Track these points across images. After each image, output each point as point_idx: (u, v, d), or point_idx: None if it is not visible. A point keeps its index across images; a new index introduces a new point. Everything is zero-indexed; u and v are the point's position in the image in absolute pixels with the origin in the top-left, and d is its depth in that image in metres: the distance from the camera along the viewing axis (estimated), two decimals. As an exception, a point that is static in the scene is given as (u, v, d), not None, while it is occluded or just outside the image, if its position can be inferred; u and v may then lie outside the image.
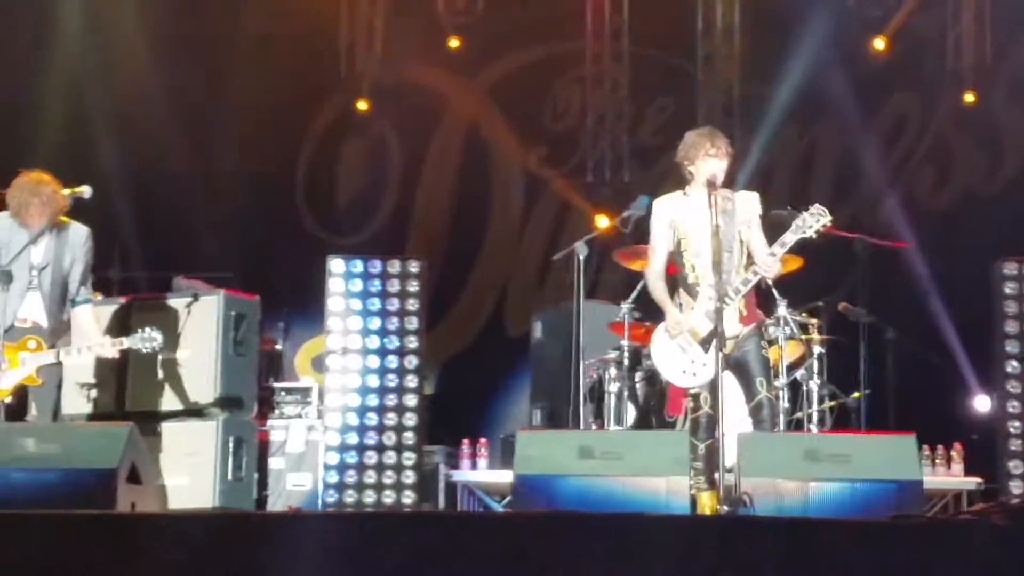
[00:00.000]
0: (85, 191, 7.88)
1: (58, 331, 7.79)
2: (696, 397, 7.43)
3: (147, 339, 7.73)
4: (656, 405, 9.57)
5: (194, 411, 8.68)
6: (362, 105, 13.10)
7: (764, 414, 7.33)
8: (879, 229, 12.08)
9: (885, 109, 12.91)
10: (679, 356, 7.44)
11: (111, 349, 7.77)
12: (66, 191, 7.81)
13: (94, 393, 8.75)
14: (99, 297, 8.36)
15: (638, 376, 9.59)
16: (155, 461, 8.24)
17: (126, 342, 7.75)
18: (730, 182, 7.63)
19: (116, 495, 6.84)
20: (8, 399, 7.59)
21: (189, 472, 8.52)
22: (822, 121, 12.94)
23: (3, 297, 7.53)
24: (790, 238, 7.37)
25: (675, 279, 7.60)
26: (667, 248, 7.56)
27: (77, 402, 8.68)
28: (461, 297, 13.11)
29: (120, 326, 8.39)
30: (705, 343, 7.33)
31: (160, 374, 8.70)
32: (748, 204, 7.53)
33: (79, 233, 7.87)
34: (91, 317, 7.90)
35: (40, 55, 12.33)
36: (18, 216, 7.73)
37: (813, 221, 7.35)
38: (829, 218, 7.36)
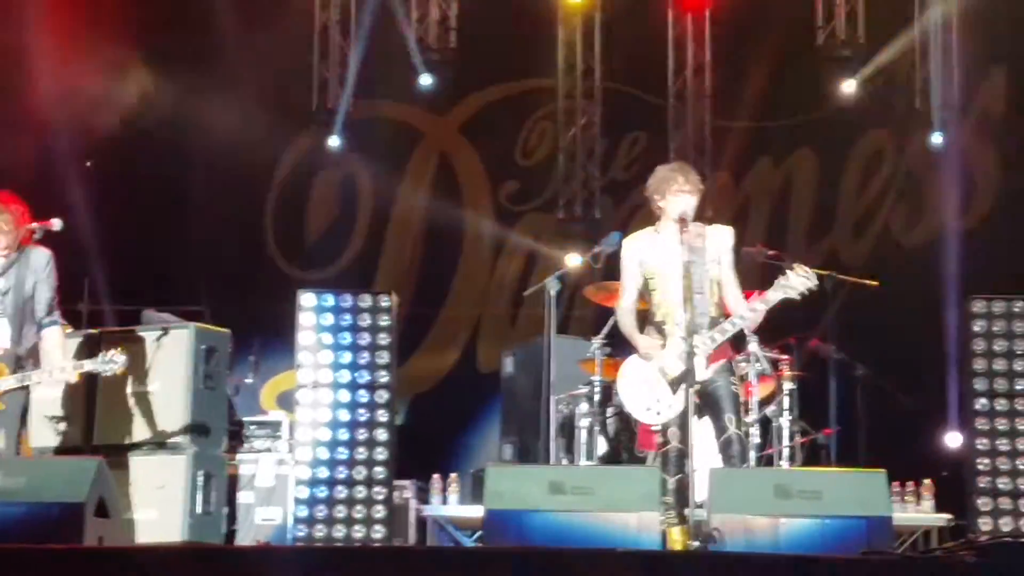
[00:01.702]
0: (55, 224, 7.86)
1: (25, 357, 7.71)
2: (665, 432, 7.43)
3: (108, 362, 7.64)
4: (627, 441, 9.58)
5: (163, 444, 8.63)
6: (333, 141, 13.10)
7: (734, 450, 7.33)
8: (855, 264, 12.22)
9: (860, 144, 13.01)
10: (645, 393, 7.45)
11: (71, 373, 7.69)
12: (35, 224, 7.79)
13: (62, 426, 8.70)
14: (68, 329, 8.28)
15: (609, 411, 9.60)
16: (124, 495, 8.18)
17: (87, 365, 7.67)
18: (701, 216, 7.65)
19: (84, 529, 6.79)
20: None
21: (158, 506, 8.47)
22: (797, 154, 13.03)
23: None
24: (773, 296, 7.36)
25: (644, 315, 7.61)
26: (636, 286, 7.58)
27: (45, 435, 8.63)
28: (431, 332, 13.10)
29: (88, 357, 8.33)
30: (675, 384, 7.34)
31: (129, 407, 8.65)
32: (720, 239, 7.52)
33: (40, 256, 7.81)
34: (57, 340, 7.81)
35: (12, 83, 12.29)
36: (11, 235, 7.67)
37: (798, 283, 7.31)
38: (815, 282, 7.34)
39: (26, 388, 7.69)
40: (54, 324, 7.81)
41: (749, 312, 7.39)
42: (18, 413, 7.70)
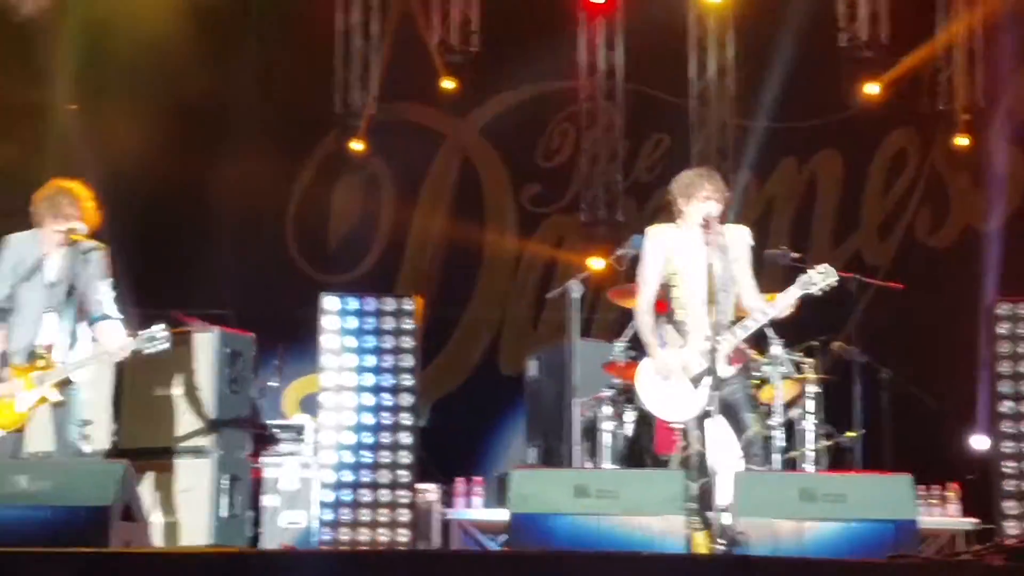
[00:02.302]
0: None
1: (78, 351, 7.60)
2: (685, 435, 7.44)
3: (151, 338, 7.53)
4: (650, 444, 9.55)
5: (189, 448, 8.66)
6: (357, 145, 13.10)
7: (756, 449, 7.36)
8: (880, 265, 12.19)
9: (884, 145, 12.97)
10: (664, 388, 7.45)
11: (119, 353, 7.57)
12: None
13: (88, 430, 8.72)
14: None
15: (633, 415, 9.58)
16: (149, 498, 8.21)
17: (132, 345, 7.54)
18: (723, 218, 7.64)
19: (110, 533, 6.81)
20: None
21: (183, 509, 8.49)
22: (821, 154, 13.00)
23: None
24: (794, 292, 7.37)
25: (660, 315, 7.59)
26: (658, 280, 7.52)
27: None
28: (454, 335, 13.09)
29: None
30: (696, 380, 7.34)
31: (155, 410, 8.68)
32: (739, 238, 7.51)
33: (91, 249, 7.67)
34: (112, 331, 7.56)
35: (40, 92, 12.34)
36: (45, 222, 7.56)
37: (819, 279, 7.34)
38: (836, 278, 7.35)
39: (74, 384, 7.56)
40: (106, 319, 7.60)
41: (770, 308, 7.38)
42: (75, 409, 7.57)
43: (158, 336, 7.53)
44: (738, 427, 7.38)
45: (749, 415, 7.36)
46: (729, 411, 7.37)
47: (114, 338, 7.57)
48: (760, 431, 7.41)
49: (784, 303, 7.38)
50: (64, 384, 7.52)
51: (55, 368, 7.49)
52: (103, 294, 7.63)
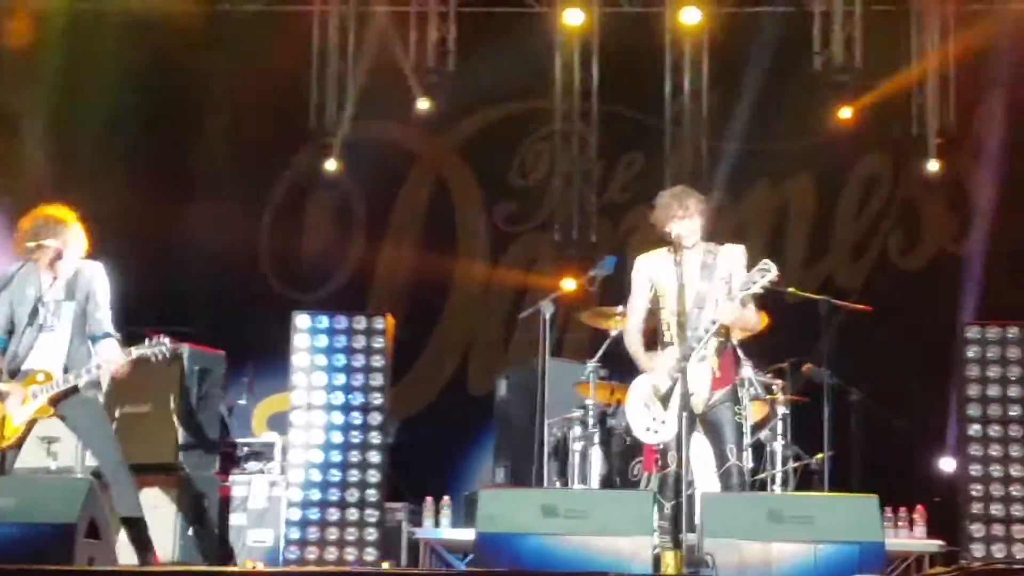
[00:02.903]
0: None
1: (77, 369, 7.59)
2: (664, 455, 7.44)
3: (157, 344, 7.57)
4: (620, 464, 9.56)
5: (156, 465, 8.62)
6: (330, 165, 13.06)
7: (734, 481, 7.36)
8: (852, 287, 12.22)
9: (857, 168, 13.02)
10: (644, 413, 7.48)
11: (123, 363, 7.57)
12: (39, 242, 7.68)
13: (55, 447, 8.68)
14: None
15: (602, 435, 9.58)
16: (114, 516, 8.16)
17: (134, 352, 7.57)
18: (713, 236, 7.69)
19: (75, 550, 6.77)
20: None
21: (149, 527, 8.43)
22: (794, 177, 13.04)
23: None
24: (736, 294, 7.40)
25: (653, 336, 7.63)
26: (644, 305, 7.59)
27: (37, 455, 8.61)
28: (423, 354, 13.05)
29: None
30: (664, 400, 7.36)
31: (122, 428, 8.63)
32: (731, 257, 7.57)
33: (92, 269, 7.71)
34: (114, 351, 7.57)
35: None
36: (31, 251, 7.57)
37: (759, 276, 7.37)
38: (775, 274, 7.38)
39: (94, 396, 7.57)
40: (108, 337, 7.62)
41: (721, 313, 7.37)
42: (90, 424, 7.59)
43: (164, 343, 7.58)
44: (719, 453, 7.39)
45: (731, 445, 7.36)
46: (713, 434, 7.40)
47: (115, 354, 7.59)
48: (740, 464, 7.40)
49: (732, 305, 7.37)
50: (66, 397, 7.51)
51: (52, 381, 7.51)
52: (103, 313, 7.67)
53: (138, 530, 7.55)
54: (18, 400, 7.48)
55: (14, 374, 7.56)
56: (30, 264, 7.65)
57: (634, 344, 7.61)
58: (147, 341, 7.60)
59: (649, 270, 7.59)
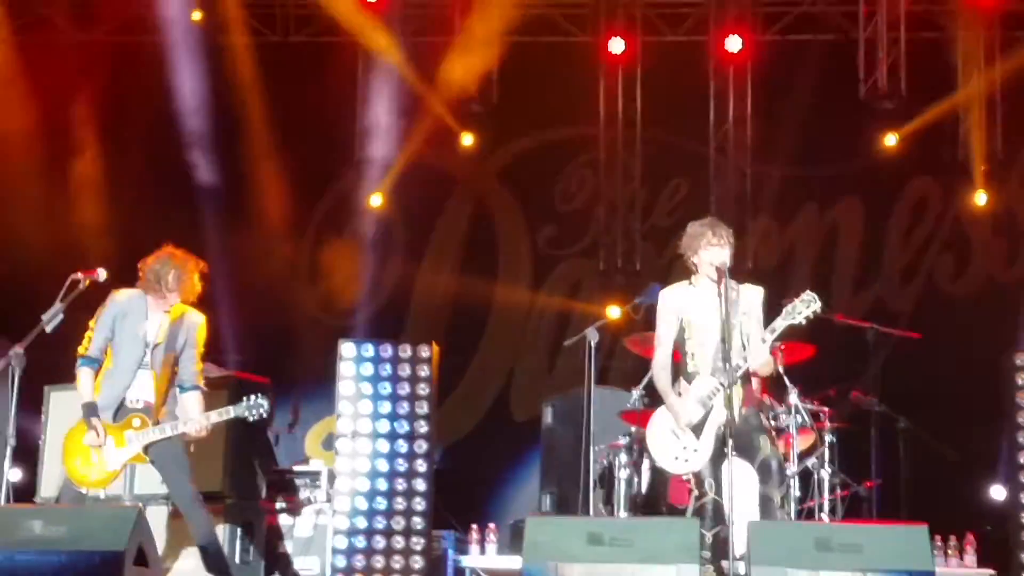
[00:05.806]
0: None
1: (164, 417, 7.73)
2: (700, 483, 7.42)
3: (254, 406, 7.68)
4: (666, 492, 9.51)
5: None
6: (375, 200, 13.08)
7: (771, 472, 7.38)
8: (901, 312, 12.13)
9: (905, 193, 12.95)
10: (672, 442, 7.49)
11: (217, 419, 7.72)
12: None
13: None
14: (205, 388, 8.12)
15: (648, 463, 9.54)
16: (163, 543, 8.20)
17: (232, 411, 7.72)
18: (741, 270, 7.68)
19: (123, 577, 6.80)
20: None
21: (196, 556, 8.46)
22: (842, 202, 12.98)
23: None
24: (780, 324, 7.41)
25: (677, 367, 7.63)
26: (672, 338, 7.63)
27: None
28: (464, 380, 13.01)
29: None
30: (696, 429, 7.35)
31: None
32: (751, 296, 7.60)
33: (194, 319, 7.85)
34: (197, 406, 7.77)
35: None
36: (149, 287, 7.72)
37: (803, 307, 7.38)
38: (819, 304, 7.38)
39: (178, 436, 7.68)
40: (196, 390, 7.80)
41: (759, 344, 7.37)
42: (171, 461, 7.69)
43: (262, 404, 7.71)
44: (751, 455, 7.38)
45: (760, 436, 7.40)
46: (743, 444, 7.37)
47: (197, 413, 7.73)
48: (773, 453, 7.38)
49: (770, 337, 7.38)
50: (156, 444, 7.63)
51: (147, 428, 7.63)
52: (196, 364, 7.82)
53: (215, 558, 7.67)
54: (113, 443, 7.61)
55: (106, 410, 7.64)
56: (145, 299, 7.76)
57: (662, 380, 7.62)
58: (245, 400, 7.69)
59: (675, 302, 7.63)
